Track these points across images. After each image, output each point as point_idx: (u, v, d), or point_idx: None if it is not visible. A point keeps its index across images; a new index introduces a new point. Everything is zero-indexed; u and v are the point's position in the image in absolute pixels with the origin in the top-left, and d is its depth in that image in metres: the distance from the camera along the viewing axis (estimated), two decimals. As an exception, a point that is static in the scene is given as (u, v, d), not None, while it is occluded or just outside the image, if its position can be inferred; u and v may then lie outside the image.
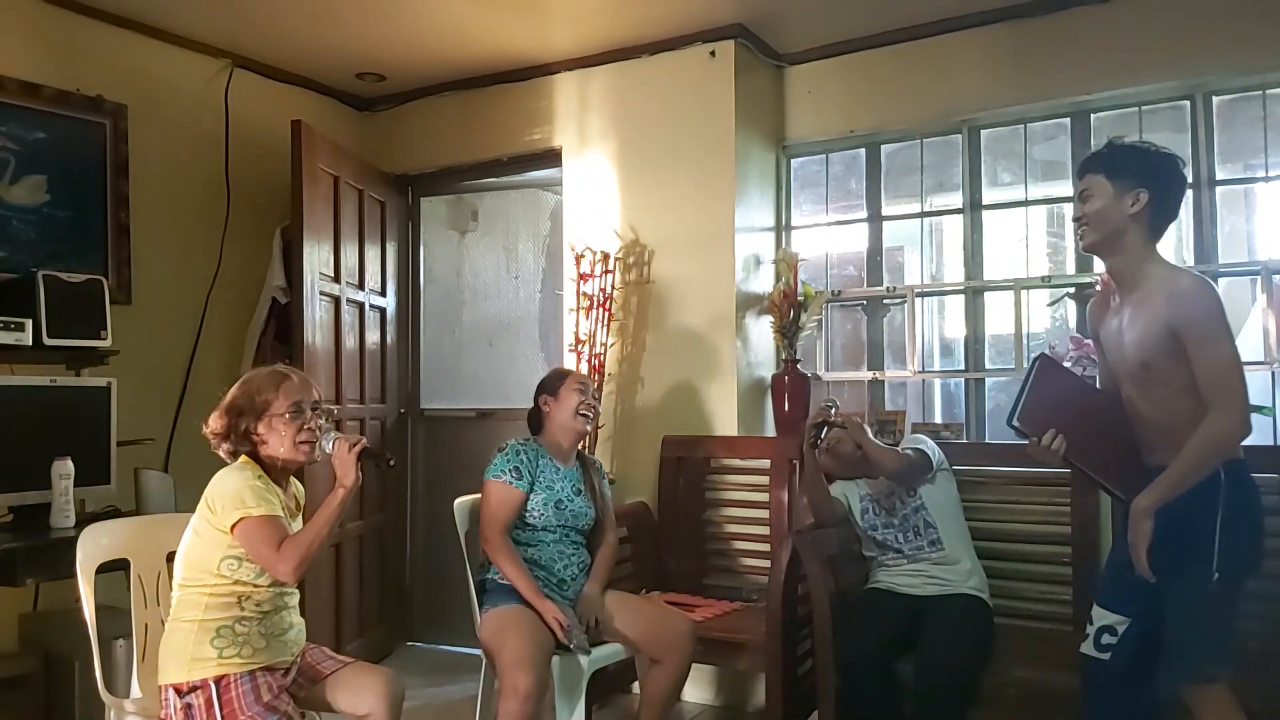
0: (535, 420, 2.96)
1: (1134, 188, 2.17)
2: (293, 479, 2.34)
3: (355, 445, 2.18)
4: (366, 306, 4.07)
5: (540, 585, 2.70)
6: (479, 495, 2.82)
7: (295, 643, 2.25)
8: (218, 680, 2.07)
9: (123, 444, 3.12)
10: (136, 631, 2.34)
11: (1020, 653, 2.67)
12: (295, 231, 3.60)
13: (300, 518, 2.31)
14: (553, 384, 2.94)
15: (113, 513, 2.99)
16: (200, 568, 2.13)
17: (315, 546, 2.11)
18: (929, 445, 2.94)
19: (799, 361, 3.62)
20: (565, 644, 2.59)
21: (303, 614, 2.33)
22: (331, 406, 2.35)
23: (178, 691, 2.08)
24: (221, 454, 2.22)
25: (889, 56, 3.67)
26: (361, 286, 4.03)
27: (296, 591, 2.30)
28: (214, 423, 2.21)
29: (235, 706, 2.05)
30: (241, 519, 2.08)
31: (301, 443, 2.19)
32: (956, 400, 3.80)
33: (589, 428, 3.00)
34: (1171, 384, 2.14)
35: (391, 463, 2.28)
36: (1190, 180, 3.24)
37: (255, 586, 2.14)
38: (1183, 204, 2.28)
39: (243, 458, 2.20)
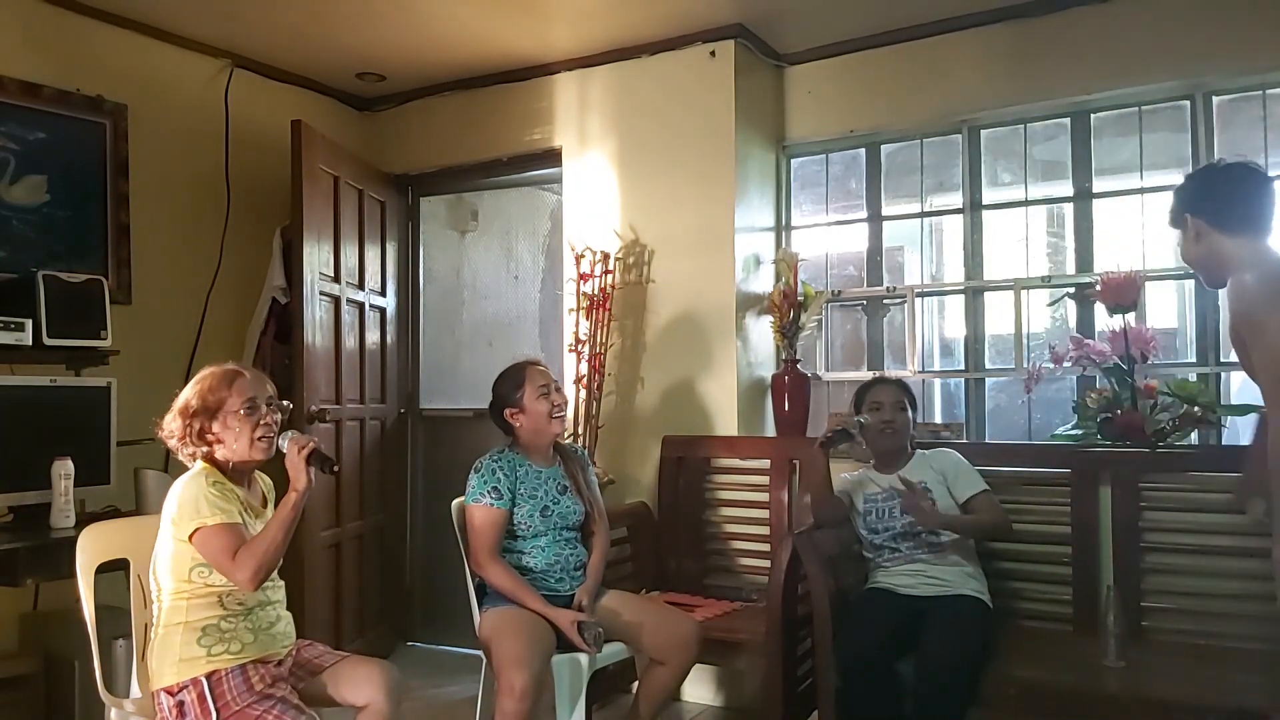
0: (506, 428, 2.86)
1: (1185, 220, 2.19)
2: (259, 474, 2.32)
3: (304, 449, 2.15)
4: (366, 306, 4.07)
5: (539, 589, 2.69)
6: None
7: (285, 636, 2.24)
8: (208, 676, 2.07)
9: (123, 444, 3.11)
10: (136, 631, 2.34)
11: (1020, 653, 2.67)
12: (295, 231, 3.60)
13: (270, 510, 2.28)
14: (511, 395, 2.81)
15: (113, 513, 3.00)
16: (175, 576, 2.12)
17: (271, 553, 2.08)
18: (965, 467, 2.90)
19: (799, 361, 3.62)
20: (586, 649, 2.58)
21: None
22: (286, 402, 2.34)
23: (169, 693, 2.08)
24: (181, 457, 2.21)
25: (889, 56, 3.67)
26: (361, 286, 4.03)
27: (281, 585, 2.29)
28: (168, 425, 2.18)
29: (228, 699, 2.06)
30: (197, 529, 2.06)
31: (259, 439, 2.17)
32: (956, 400, 3.80)
33: (565, 425, 2.89)
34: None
35: (335, 469, 2.22)
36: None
37: (233, 587, 2.13)
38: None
39: (200, 462, 2.18)
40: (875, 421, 2.93)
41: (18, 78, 3.20)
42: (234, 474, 2.21)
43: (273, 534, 2.09)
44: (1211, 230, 2.15)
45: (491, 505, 2.71)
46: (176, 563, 2.11)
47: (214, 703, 2.05)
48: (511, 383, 2.83)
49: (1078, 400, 3.24)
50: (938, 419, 3.78)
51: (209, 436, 2.16)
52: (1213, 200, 2.18)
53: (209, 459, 2.18)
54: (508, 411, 2.82)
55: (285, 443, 2.18)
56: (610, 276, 3.72)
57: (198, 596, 2.11)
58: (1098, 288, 3.11)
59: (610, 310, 3.71)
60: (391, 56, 3.95)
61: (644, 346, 3.78)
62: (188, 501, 2.09)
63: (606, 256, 3.73)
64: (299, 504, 2.12)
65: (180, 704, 2.06)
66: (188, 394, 2.19)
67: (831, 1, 3.40)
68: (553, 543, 2.77)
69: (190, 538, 2.07)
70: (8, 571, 2.62)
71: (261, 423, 2.18)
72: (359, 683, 2.20)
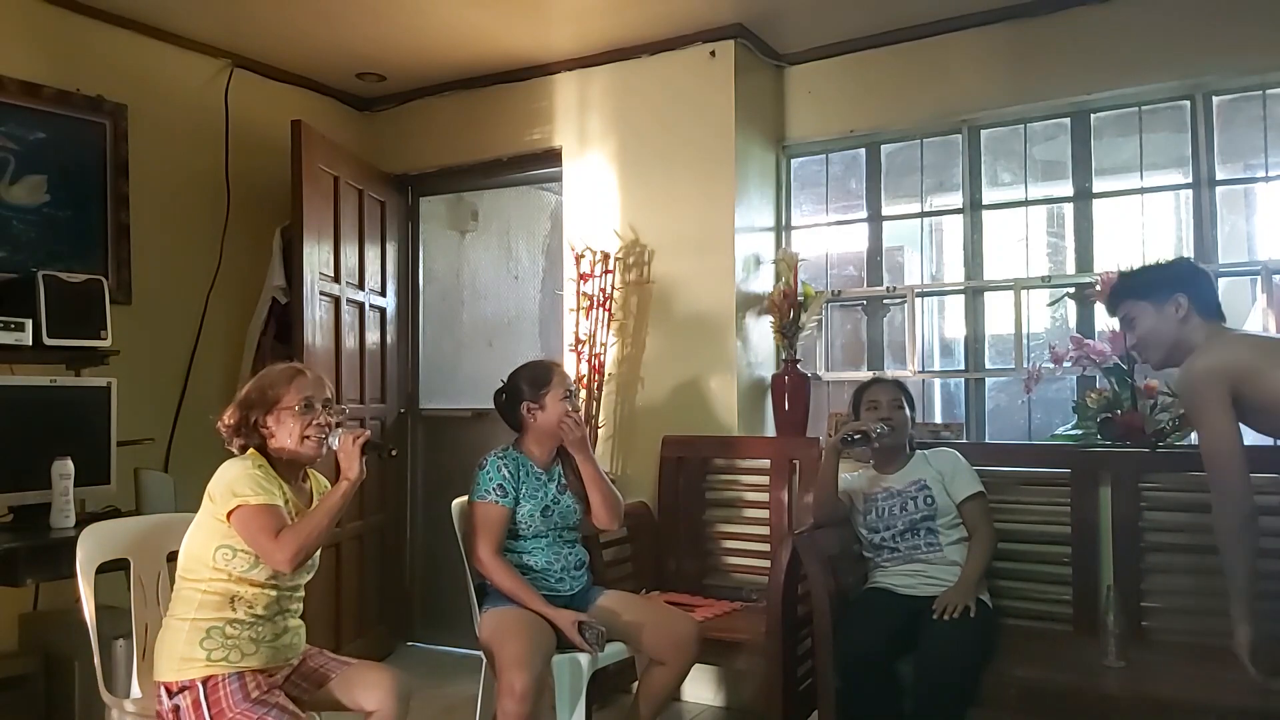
0: (514, 421, 2.85)
1: (1170, 296, 2.32)
2: (314, 474, 2.34)
3: (358, 438, 2.20)
4: (366, 306, 4.07)
5: (539, 589, 2.68)
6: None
7: (290, 648, 2.22)
8: (205, 681, 2.06)
9: (123, 444, 3.11)
10: (136, 631, 2.34)
11: (1020, 653, 2.67)
12: (295, 231, 3.60)
13: None
14: (535, 391, 2.78)
15: (113, 513, 2.99)
16: (197, 558, 2.13)
17: (314, 537, 2.10)
18: (963, 467, 2.90)
19: (799, 361, 3.62)
20: (587, 649, 2.58)
21: (303, 614, 2.32)
22: (344, 406, 2.35)
23: (168, 691, 2.09)
24: (233, 448, 2.24)
25: (889, 56, 3.67)
26: (361, 286, 4.03)
27: (300, 593, 2.28)
28: (228, 416, 2.23)
29: (223, 705, 2.05)
30: (238, 506, 2.08)
31: (308, 435, 2.20)
32: (956, 400, 3.80)
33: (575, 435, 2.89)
34: None
35: (393, 452, 2.30)
36: (1190, 181, 3.28)
37: (248, 584, 2.13)
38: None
39: (250, 450, 2.21)
40: (871, 419, 2.93)
41: (18, 78, 3.20)
42: (284, 469, 2.23)
43: (318, 519, 2.12)
44: (1193, 313, 2.31)
45: (497, 502, 2.71)
46: (204, 539, 2.12)
47: (208, 710, 2.05)
48: (538, 378, 2.81)
49: (1078, 400, 3.24)
50: (938, 419, 3.78)
51: (263, 430, 2.21)
52: (1198, 283, 2.35)
53: (260, 450, 2.22)
54: (526, 405, 2.80)
55: (335, 439, 2.22)
56: (610, 277, 3.73)
57: (211, 593, 2.11)
58: (1098, 288, 3.11)
59: (610, 310, 3.72)
60: (391, 56, 3.95)
61: (644, 346, 3.78)
62: (230, 480, 2.11)
63: (606, 256, 3.73)
64: (349, 493, 2.16)
65: (176, 707, 2.07)
66: (249, 387, 2.25)
67: (831, 1, 3.41)
68: (552, 543, 2.78)
69: (229, 516, 2.09)
70: (8, 571, 2.62)
71: (314, 422, 2.21)
72: (370, 688, 2.20)
